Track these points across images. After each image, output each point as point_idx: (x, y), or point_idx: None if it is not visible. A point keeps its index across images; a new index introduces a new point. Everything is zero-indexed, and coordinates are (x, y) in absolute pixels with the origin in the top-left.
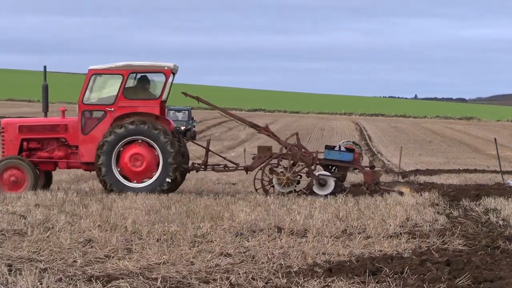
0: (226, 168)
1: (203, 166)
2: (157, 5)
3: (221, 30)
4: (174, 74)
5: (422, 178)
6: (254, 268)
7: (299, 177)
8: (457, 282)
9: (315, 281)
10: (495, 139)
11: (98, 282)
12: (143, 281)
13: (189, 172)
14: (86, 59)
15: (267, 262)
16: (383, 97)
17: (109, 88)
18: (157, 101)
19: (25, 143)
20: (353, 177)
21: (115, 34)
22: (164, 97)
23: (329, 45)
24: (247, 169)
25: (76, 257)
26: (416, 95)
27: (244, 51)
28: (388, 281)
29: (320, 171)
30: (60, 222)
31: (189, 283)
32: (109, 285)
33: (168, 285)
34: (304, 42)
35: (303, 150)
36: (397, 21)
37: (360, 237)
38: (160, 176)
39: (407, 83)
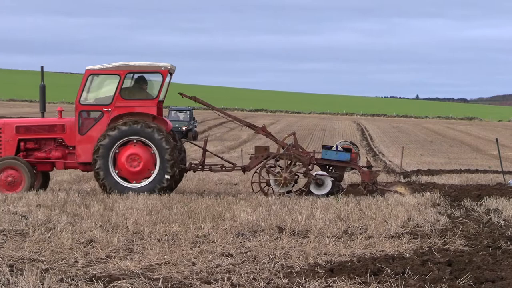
0: (224, 168)
1: (200, 166)
2: (159, 6)
3: (223, 30)
4: (171, 74)
5: (424, 178)
6: (256, 269)
7: (296, 177)
8: (459, 283)
9: (317, 281)
10: (496, 139)
11: (100, 282)
12: (145, 282)
13: (186, 172)
14: (87, 59)
15: (268, 263)
16: (385, 97)
17: (106, 88)
18: (154, 101)
19: (22, 144)
20: (355, 177)
21: (116, 34)
22: (161, 97)
23: (331, 46)
24: (244, 169)
25: (77, 257)
26: (417, 95)
27: (246, 51)
28: (389, 281)
29: (317, 171)
30: (61, 223)
31: (191, 283)
32: (111, 285)
33: (169, 285)
34: (306, 43)
35: (300, 150)
36: (398, 21)
37: (362, 238)
38: (159, 173)
39: (408, 83)
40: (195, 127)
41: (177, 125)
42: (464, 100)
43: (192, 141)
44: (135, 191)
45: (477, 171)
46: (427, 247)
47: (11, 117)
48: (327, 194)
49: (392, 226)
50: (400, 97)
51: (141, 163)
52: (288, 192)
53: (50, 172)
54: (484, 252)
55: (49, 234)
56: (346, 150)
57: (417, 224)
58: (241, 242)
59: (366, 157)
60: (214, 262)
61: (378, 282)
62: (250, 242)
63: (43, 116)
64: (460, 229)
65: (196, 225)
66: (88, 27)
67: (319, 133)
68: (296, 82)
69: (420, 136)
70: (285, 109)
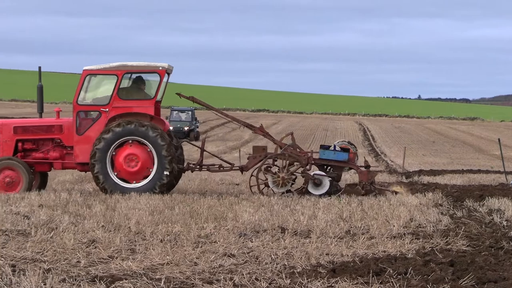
0: (221, 168)
1: (198, 166)
2: (159, 6)
3: (224, 31)
4: (168, 74)
5: (426, 179)
6: (258, 269)
7: (294, 177)
8: (461, 283)
9: (319, 281)
10: (498, 139)
11: (102, 282)
12: (147, 282)
13: (184, 172)
14: (88, 60)
15: (270, 263)
16: (387, 97)
17: (104, 89)
18: (151, 101)
19: (20, 144)
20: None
21: (116, 34)
22: (158, 97)
23: (332, 46)
24: (242, 169)
25: (79, 257)
26: (419, 95)
27: (248, 51)
28: (391, 281)
29: (315, 171)
30: (63, 223)
31: (193, 283)
32: (113, 285)
33: (171, 285)
34: (308, 43)
35: (298, 150)
36: (400, 21)
37: (364, 238)
38: (158, 170)
39: (410, 84)
40: (197, 127)
41: (179, 125)
42: (466, 100)
43: (190, 141)
44: (136, 191)
45: (479, 171)
46: (429, 247)
47: (13, 117)
48: (325, 194)
49: (394, 226)
50: (402, 97)
51: (139, 162)
52: (287, 192)
53: (52, 172)
54: (486, 252)
55: (51, 234)
56: (344, 150)
57: (419, 224)
58: (243, 242)
59: (364, 157)
60: (216, 262)
61: (380, 283)
62: (252, 242)
63: (41, 116)
64: (462, 230)
65: (198, 225)
66: (88, 27)
67: (321, 133)
68: (298, 82)
69: (422, 136)
70: (287, 109)
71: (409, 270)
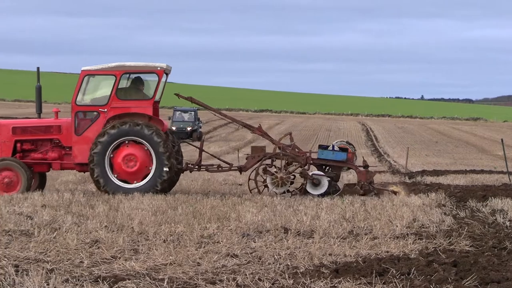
0: (220, 168)
1: (196, 166)
2: (159, 7)
3: (227, 31)
4: (167, 74)
5: (429, 179)
6: (261, 269)
7: (292, 177)
8: (464, 283)
9: (322, 282)
10: (502, 139)
11: (105, 282)
12: (150, 282)
13: (183, 172)
14: (89, 60)
15: (273, 263)
16: (390, 97)
17: (102, 89)
18: (150, 101)
19: (18, 145)
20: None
21: (116, 34)
22: (157, 97)
23: (335, 46)
24: (240, 169)
25: (82, 257)
26: (422, 95)
27: (251, 52)
28: (394, 282)
29: (313, 171)
30: (66, 223)
31: (196, 283)
32: (116, 286)
33: (174, 285)
34: (311, 43)
35: (296, 150)
36: (403, 22)
37: (367, 238)
38: (157, 168)
39: (413, 84)
40: (200, 128)
41: (181, 125)
42: (469, 101)
43: (189, 142)
44: (138, 190)
45: (482, 171)
46: (433, 247)
47: (16, 118)
48: (324, 194)
49: (397, 226)
50: (405, 98)
51: (137, 162)
52: (283, 192)
53: (55, 173)
54: (489, 252)
55: (55, 234)
56: (343, 150)
57: (422, 224)
58: (246, 243)
59: (363, 157)
60: (219, 263)
61: (384, 283)
62: (255, 242)
63: (39, 117)
64: (465, 230)
65: (201, 225)
66: (88, 27)
67: (324, 134)
68: (300, 83)
69: (425, 136)
70: (290, 109)
71: (412, 270)
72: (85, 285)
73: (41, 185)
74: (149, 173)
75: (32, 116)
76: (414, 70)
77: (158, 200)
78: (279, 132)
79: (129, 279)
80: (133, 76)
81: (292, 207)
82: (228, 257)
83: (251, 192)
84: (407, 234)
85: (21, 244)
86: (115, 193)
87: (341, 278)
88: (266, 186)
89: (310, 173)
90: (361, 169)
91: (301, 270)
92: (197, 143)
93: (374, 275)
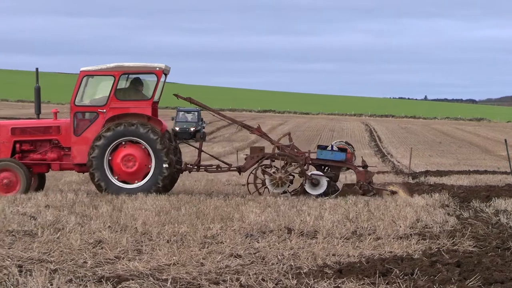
0: (219, 169)
1: (195, 167)
2: (160, 7)
3: (230, 31)
4: (165, 74)
5: (432, 179)
6: (264, 269)
7: (291, 177)
8: (468, 284)
9: (325, 282)
10: (505, 140)
11: (108, 283)
12: (153, 282)
13: (182, 173)
14: (89, 60)
15: (277, 263)
16: (393, 98)
17: (101, 90)
18: (148, 102)
19: (18, 145)
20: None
21: (116, 34)
22: (156, 98)
23: (339, 46)
24: (239, 169)
25: (86, 258)
26: (426, 96)
27: (254, 52)
28: (398, 282)
29: (312, 171)
30: (70, 223)
31: (199, 284)
32: (119, 286)
33: (178, 286)
34: (315, 43)
35: (295, 150)
36: (406, 22)
37: (370, 238)
38: (157, 165)
39: (417, 84)
40: (203, 128)
41: (185, 126)
42: (472, 101)
43: (189, 142)
44: (140, 189)
45: (486, 172)
46: (436, 248)
47: (20, 118)
48: (323, 194)
49: (400, 227)
50: (408, 98)
51: (136, 161)
52: (283, 192)
53: (59, 173)
54: (493, 253)
55: (58, 234)
56: (342, 150)
57: (425, 225)
58: (249, 243)
59: (362, 157)
60: (222, 263)
61: (387, 283)
62: (258, 243)
63: (38, 117)
64: (469, 230)
65: (205, 226)
66: (88, 27)
67: (328, 134)
68: (304, 83)
69: (428, 137)
70: (293, 109)
71: (416, 270)
72: (88, 285)
73: (41, 186)
74: (149, 172)
75: (35, 117)
76: (418, 70)
77: (161, 201)
78: (283, 133)
79: (132, 280)
80: (132, 76)
81: (295, 208)
82: (232, 257)
83: (251, 193)
84: (411, 235)
85: (25, 244)
86: (118, 195)
87: (345, 278)
88: (265, 186)
89: (309, 173)
90: (360, 169)
91: (305, 271)
92: (197, 144)
93: (377, 275)
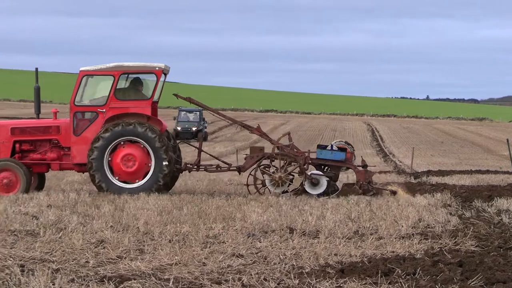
0: (219, 169)
1: (195, 167)
2: (160, 7)
3: (231, 31)
4: (165, 74)
5: (434, 179)
6: (266, 269)
7: (291, 177)
8: (470, 283)
9: (327, 282)
10: (507, 140)
11: (111, 282)
12: (155, 282)
13: (181, 173)
14: (89, 60)
15: (279, 263)
16: (395, 97)
17: (101, 89)
18: (148, 101)
19: (17, 145)
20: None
21: (116, 34)
22: (155, 97)
23: (341, 46)
24: (239, 169)
25: (88, 257)
26: (428, 96)
27: (256, 52)
28: (400, 282)
29: (312, 171)
30: (72, 223)
31: (201, 284)
32: (121, 285)
33: (180, 285)
34: (317, 43)
35: (295, 150)
36: (408, 22)
37: (372, 238)
38: (156, 163)
39: (419, 84)
40: (205, 128)
41: (187, 125)
42: (474, 101)
43: (188, 142)
44: (142, 188)
45: (488, 171)
46: (438, 247)
47: (23, 118)
48: (322, 194)
49: (403, 226)
50: (410, 98)
51: (136, 161)
52: (283, 192)
53: (61, 173)
54: (495, 252)
55: (60, 234)
56: (341, 149)
57: (428, 224)
58: (251, 243)
59: (362, 157)
60: (224, 263)
61: (389, 283)
62: (260, 242)
63: (38, 117)
64: (471, 230)
65: (207, 225)
66: (88, 27)
67: (330, 134)
68: (306, 83)
69: (430, 136)
70: (295, 109)
71: (418, 270)
72: (90, 285)
73: (40, 186)
74: (149, 170)
75: (41, 116)
76: (420, 70)
77: (163, 200)
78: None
79: (134, 279)
80: (131, 76)
81: (297, 207)
82: (234, 257)
83: (251, 194)
84: (413, 234)
85: (27, 244)
86: (120, 194)
87: (347, 278)
88: (265, 186)
89: (309, 173)
90: (360, 168)
91: (307, 270)
92: (197, 143)
93: (379, 275)
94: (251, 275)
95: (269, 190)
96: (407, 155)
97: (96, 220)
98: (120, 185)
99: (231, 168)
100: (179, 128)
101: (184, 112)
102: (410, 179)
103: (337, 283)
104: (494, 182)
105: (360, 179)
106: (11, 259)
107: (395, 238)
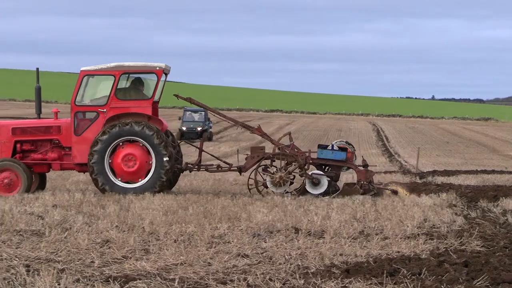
0: (220, 169)
1: (196, 166)
2: (169, 7)
3: (236, 31)
4: (166, 74)
5: (440, 179)
6: (272, 269)
7: (292, 177)
8: (475, 283)
9: (333, 282)
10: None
11: (116, 282)
12: (161, 282)
13: (182, 172)
14: (89, 60)
15: (284, 263)
16: (400, 97)
17: (101, 89)
18: (149, 101)
19: (18, 145)
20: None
21: (119, 34)
22: (156, 97)
23: (346, 46)
24: (240, 169)
25: (93, 257)
26: (433, 95)
27: (261, 52)
28: (405, 282)
29: (313, 171)
30: (77, 223)
31: (207, 283)
32: (127, 285)
33: (185, 285)
34: (322, 43)
35: (295, 150)
36: (414, 22)
37: (378, 238)
38: (157, 160)
39: (424, 84)
40: (210, 128)
41: (192, 125)
42: (480, 101)
43: (189, 142)
44: (145, 186)
45: (493, 171)
46: (444, 248)
47: (27, 118)
48: (323, 194)
49: (408, 226)
50: (415, 98)
51: (136, 160)
52: (283, 192)
53: (66, 173)
54: (500, 253)
55: (66, 234)
56: (342, 149)
57: (433, 225)
58: (257, 243)
59: (362, 156)
60: (230, 263)
61: (395, 283)
62: (266, 242)
63: (39, 117)
64: (476, 230)
65: (212, 225)
66: (91, 28)
67: (335, 134)
68: (311, 83)
69: (436, 136)
70: (300, 109)
71: (423, 270)
72: (96, 285)
73: (41, 186)
74: (151, 168)
75: (44, 117)
76: (425, 70)
77: (168, 200)
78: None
79: (140, 279)
80: (132, 76)
81: (303, 207)
82: (239, 257)
83: (251, 194)
84: (418, 234)
85: (32, 244)
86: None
87: (352, 278)
88: (265, 186)
89: (310, 173)
90: (361, 168)
91: (312, 270)
92: (197, 143)
93: (385, 275)
94: (256, 275)
95: (273, 191)
96: (413, 155)
97: (101, 220)
98: (124, 186)
99: (232, 168)
100: (184, 128)
101: (189, 112)
102: (416, 179)
103: (343, 283)
104: (500, 182)
105: (361, 179)
106: (16, 259)
107: (401, 238)
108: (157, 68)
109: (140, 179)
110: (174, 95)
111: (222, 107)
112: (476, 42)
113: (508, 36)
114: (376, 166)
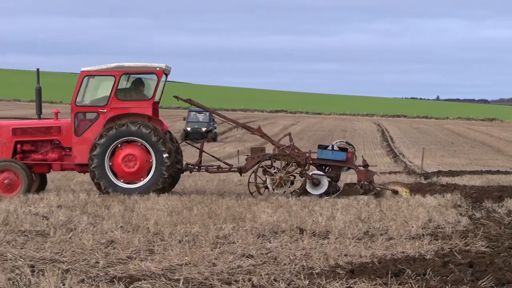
0: (220, 169)
1: (196, 167)
2: (169, 7)
3: (237, 31)
4: (166, 74)
5: (445, 179)
6: (276, 270)
7: (292, 177)
8: (480, 284)
9: (337, 282)
10: None
11: (121, 283)
12: (165, 282)
13: (182, 173)
14: (89, 60)
15: (289, 264)
16: (405, 98)
17: (102, 90)
18: (149, 102)
19: (19, 146)
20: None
21: (120, 34)
22: (156, 98)
23: (346, 46)
24: (240, 170)
25: (98, 258)
26: (438, 96)
27: (261, 52)
28: (410, 282)
29: (313, 171)
30: (82, 223)
31: (211, 284)
32: (131, 286)
33: (190, 286)
34: (322, 43)
35: (295, 150)
36: (414, 22)
37: (382, 239)
38: (157, 157)
39: (429, 84)
40: (215, 128)
41: (196, 126)
42: (485, 101)
43: (190, 143)
44: (148, 185)
45: (498, 172)
46: (448, 248)
47: (30, 118)
48: (324, 194)
49: (413, 227)
50: (420, 98)
51: (136, 160)
52: (284, 192)
53: (71, 173)
54: (505, 253)
55: (70, 234)
56: (342, 149)
57: (438, 225)
58: (261, 243)
59: (362, 157)
60: (234, 263)
61: (399, 283)
62: (270, 243)
63: (39, 118)
64: (481, 230)
65: (217, 226)
66: (91, 28)
67: (340, 134)
68: (316, 83)
69: (440, 137)
70: (305, 110)
71: (428, 271)
72: (100, 286)
73: (42, 186)
74: (152, 166)
75: (45, 117)
76: (430, 70)
77: (173, 201)
78: (295, 133)
79: (144, 280)
80: (132, 76)
81: (307, 208)
82: (244, 257)
83: (251, 194)
84: (423, 235)
85: (37, 244)
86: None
87: (357, 278)
88: (266, 187)
89: (310, 173)
90: (361, 168)
91: (317, 271)
92: (199, 144)
93: (389, 275)
94: (261, 275)
95: (274, 191)
96: (417, 155)
97: (106, 220)
98: (126, 187)
99: (232, 169)
100: (189, 129)
101: (194, 112)
102: (420, 179)
103: (347, 284)
104: (505, 182)
105: (362, 179)
106: (21, 259)
107: (405, 238)
108: (158, 68)
109: (142, 179)
110: (174, 96)
111: (226, 107)
112: (476, 42)
113: (508, 36)
114: (376, 166)
